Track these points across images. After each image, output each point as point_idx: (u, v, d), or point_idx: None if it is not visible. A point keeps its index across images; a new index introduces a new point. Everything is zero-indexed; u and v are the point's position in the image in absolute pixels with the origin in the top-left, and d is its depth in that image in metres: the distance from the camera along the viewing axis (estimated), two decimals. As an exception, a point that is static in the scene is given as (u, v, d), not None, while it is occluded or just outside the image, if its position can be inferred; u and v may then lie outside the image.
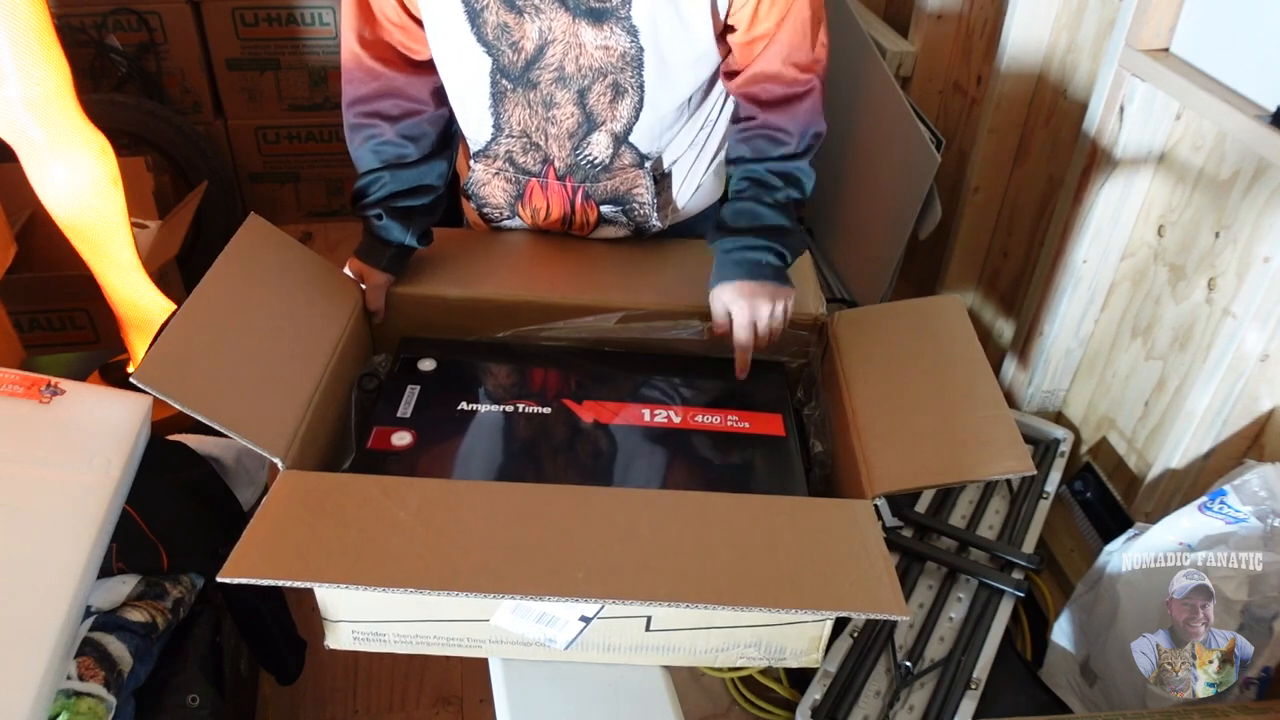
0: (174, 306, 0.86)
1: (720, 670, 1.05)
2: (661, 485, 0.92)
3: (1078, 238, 1.42)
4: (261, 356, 0.90)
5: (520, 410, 0.97)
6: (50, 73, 1.14)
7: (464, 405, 0.98)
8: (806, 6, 1.03)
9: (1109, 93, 1.33)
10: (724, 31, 1.05)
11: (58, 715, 0.90)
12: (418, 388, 1.00)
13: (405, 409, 0.98)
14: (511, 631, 0.81)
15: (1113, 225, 1.37)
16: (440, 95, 1.12)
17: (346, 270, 1.13)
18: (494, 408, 0.98)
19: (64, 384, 1.06)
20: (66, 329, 2.05)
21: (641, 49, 1.01)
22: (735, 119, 1.13)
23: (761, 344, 1.08)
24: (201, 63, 2.43)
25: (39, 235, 1.69)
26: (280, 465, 0.85)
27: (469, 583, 0.73)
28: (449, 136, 1.15)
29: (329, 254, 2.43)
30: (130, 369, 0.84)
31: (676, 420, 0.98)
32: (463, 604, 0.79)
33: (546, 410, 0.98)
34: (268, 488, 0.84)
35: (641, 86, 1.04)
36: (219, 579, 0.73)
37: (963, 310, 1.04)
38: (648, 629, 0.82)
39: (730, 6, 1.01)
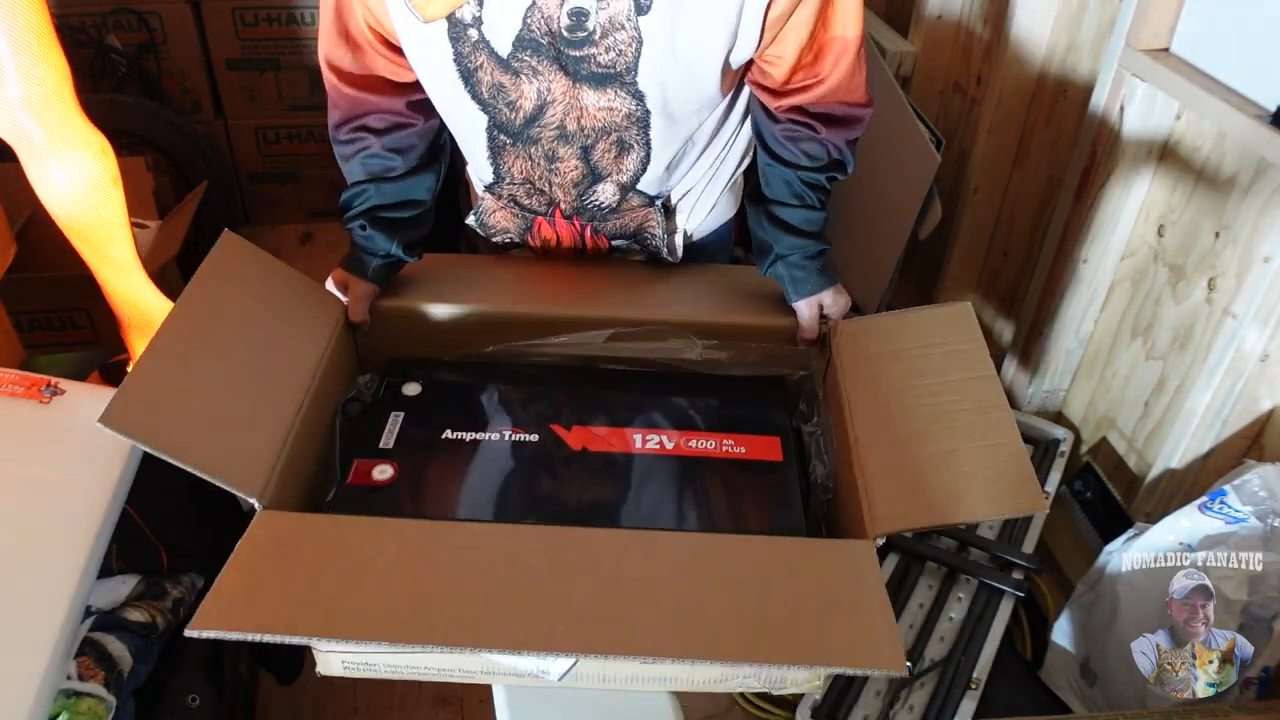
0: (174, 306, 0.84)
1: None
2: (652, 517, 0.89)
3: (1078, 238, 1.42)
4: (237, 388, 0.87)
5: (506, 438, 0.94)
6: (50, 73, 1.13)
7: (448, 434, 0.95)
8: (856, 54, 1.00)
9: (1109, 93, 1.33)
10: (739, 74, 1.02)
11: (58, 715, 0.90)
12: (401, 414, 0.97)
13: (388, 439, 0.95)
14: (504, 664, 0.80)
15: (1113, 225, 1.37)
16: (429, 110, 1.06)
17: (329, 284, 1.09)
18: (479, 436, 0.95)
19: (64, 384, 1.06)
20: (66, 329, 2.05)
21: (648, 111, 0.98)
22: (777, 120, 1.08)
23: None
24: (201, 63, 2.43)
25: (39, 235, 1.68)
26: (257, 506, 0.82)
27: (444, 636, 0.71)
28: (439, 148, 1.12)
29: (329, 254, 2.42)
30: (130, 369, 0.83)
31: (669, 446, 0.94)
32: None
33: (534, 438, 0.95)
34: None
35: (648, 144, 1.02)
36: (186, 633, 0.71)
37: (973, 320, 0.99)
38: (643, 662, 0.79)
39: (756, 53, 0.97)
